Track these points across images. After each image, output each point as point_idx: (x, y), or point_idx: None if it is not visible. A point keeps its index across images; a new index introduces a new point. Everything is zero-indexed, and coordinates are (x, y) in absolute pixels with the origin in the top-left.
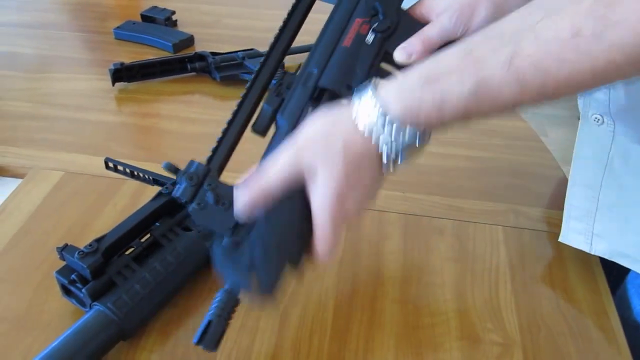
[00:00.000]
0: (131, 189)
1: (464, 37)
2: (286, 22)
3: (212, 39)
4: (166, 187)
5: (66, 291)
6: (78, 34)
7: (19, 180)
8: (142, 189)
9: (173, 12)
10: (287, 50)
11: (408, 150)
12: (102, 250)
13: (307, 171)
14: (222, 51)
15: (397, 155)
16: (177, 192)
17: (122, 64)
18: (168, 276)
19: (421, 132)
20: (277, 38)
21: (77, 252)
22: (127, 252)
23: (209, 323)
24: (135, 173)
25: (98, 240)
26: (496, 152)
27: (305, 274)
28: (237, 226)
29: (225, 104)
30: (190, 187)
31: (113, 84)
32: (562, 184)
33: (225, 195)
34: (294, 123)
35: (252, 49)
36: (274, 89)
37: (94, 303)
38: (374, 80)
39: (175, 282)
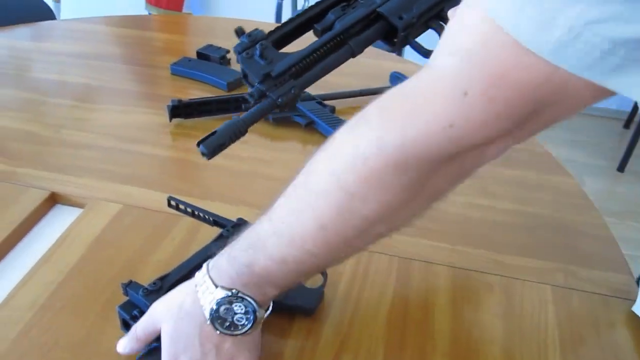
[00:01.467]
0: (187, 224)
1: None
2: None
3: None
4: (227, 229)
5: (126, 325)
6: (136, 67)
7: (77, 210)
8: (199, 225)
9: (228, 51)
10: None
11: (223, 312)
12: (165, 289)
13: (155, 321)
14: None
15: (214, 314)
16: (237, 45)
17: (180, 100)
18: None
19: (232, 292)
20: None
21: (141, 290)
22: None
23: (214, 132)
24: (197, 213)
25: (162, 279)
26: (543, 208)
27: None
28: (267, 76)
29: (277, 145)
30: (247, 41)
31: (170, 120)
32: (611, 244)
33: (269, 55)
34: (347, 28)
35: (305, 92)
36: (341, 6)
37: (155, 344)
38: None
39: None
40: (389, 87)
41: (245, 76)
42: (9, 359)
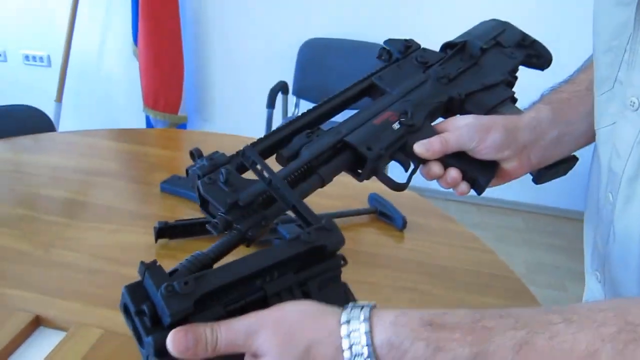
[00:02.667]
0: None
1: (477, 150)
2: (332, 98)
3: None
4: (308, 232)
5: (125, 311)
6: (129, 184)
7: (61, 333)
8: None
9: None
10: (324, 117)
11: None
12: (198, 296)
13: (255, 349)
14: None
15: None
16: (194, 167)
17: (166, 223)
18: None
19: None
20: (321, 105)
21: (164, 287)
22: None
23: (175, 270)
24: (273, 183)
25: (196, 279)
26: None
27: None
28: (234, 205)
29: None
30: (208, 165)
31: (156, 241)
32: None
33: (234, 181)
34: (315, 156)
35: (285, 215)
36: (306, 132)
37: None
38: (372, 304)
39: None
40: (369, 209)
41: (203, 203)
42: None
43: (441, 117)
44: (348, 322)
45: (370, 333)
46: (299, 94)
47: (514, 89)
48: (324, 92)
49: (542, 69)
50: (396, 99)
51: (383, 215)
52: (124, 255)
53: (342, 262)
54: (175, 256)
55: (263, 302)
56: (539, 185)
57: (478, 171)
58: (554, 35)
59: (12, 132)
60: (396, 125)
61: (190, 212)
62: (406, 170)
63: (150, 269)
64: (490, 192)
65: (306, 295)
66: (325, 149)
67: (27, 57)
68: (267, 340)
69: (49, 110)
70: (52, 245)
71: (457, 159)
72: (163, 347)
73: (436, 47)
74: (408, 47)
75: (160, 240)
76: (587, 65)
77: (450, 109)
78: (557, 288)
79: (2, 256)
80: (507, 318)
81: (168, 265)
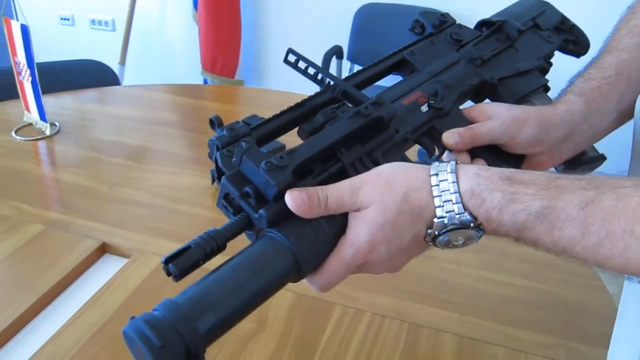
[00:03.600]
0: None
1: (508, 145)
2: (361, 71)
3: None
4: (366, 106)
5: (229, 202)
6: (187, 132)
7: (124, 259)
8: None
9: None
10: (360, 85)
11: (453, 234)
12: (292, 168)
13: (360, 202)
14: None
15: (441, 232)
16: (214, 137)
17: None
18: None
19: (474, 224)
20: (349, 77)
21: (263, 163)
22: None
23: (187, 247)
24: (320, 77)
25: (289, 153)
26: (555, 287)
27: None
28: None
29: None
30: (228, 136)
31: (212, 183)
32: None
33: (254, 155)
34: (337, 129)
35: None
36: (332, 108)
37: (270, 230)
38: (455, 161)
39: None
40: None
41: (220, 175)
42: None
43: (470, 99)
44: (437, 174)
45: (457, 183)
46: (354, 58)
47: (547, 77)
48: (377, 58)
49: (578, 56)
50: (427, 79)
51: None
52: (182, 195)
53: (395, 132)
54: None
55: (342, 173)
56: None
57: (504, 163)
58: (596, 20)
59: (80, 85)
60: (424, 108)
61: None
62: (430, 156)
63: (247, 153)
64: None
65: (375, 163)
66: (351, 128)
67: (93, 22)
68: (370, 192)
69: None
70: (117, 183)
71: (485, 150)
72: (274, 218)
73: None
74: (443, 22)
75: (216, 183)
76: (612, 45)
77: (481, 92)
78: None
79: (71, 191)
80: (581, 180)
81: None
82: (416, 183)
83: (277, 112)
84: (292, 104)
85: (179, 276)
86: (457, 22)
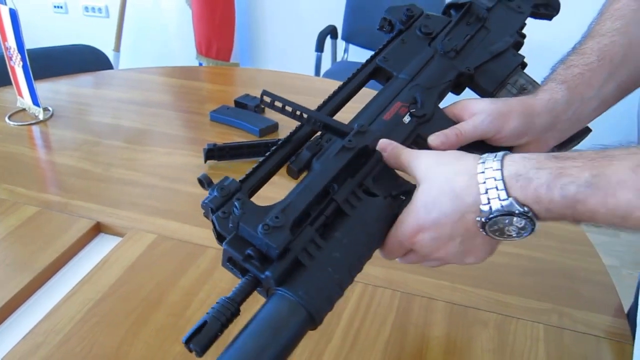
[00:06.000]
0: (212, 253)
1: (495, 139)
2: (340, 88)
3: (294, 127)
4: (349, 140)
5: (232, 263)
6: (181, 113)
7: (118, 238)
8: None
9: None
10: (335, 110)
11: (501, 222)
12: (290, 226)
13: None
14: None
15: (488, 218)
16: (206, 199)
17: (215, 144)
18: (359, 253)
19: (519, 211)
20: (330, 98)
21: (261, 226)
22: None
23: (204, 323)
24: (298, 113)
25: (283, 210)
26: (547, 254)
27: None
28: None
29: None
30: (220, 197)
31: (205, 161)
32: (608, 290)
33: (249, 219)
34: (326, 170)
35: None
36: (315, 139)
37: (279, 289)
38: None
39: (363, 261)
40: None
41: (219, 237)
42: None
43: (451, 92)
44: (483, 162)
45: (501, 170)
46: (348, 38)
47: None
48: (372, 37)
49: (550, 19)
50: (403, 85)
51: None
52: (176, 174)
53: (380, 155)
54: (222, 175)
55: (339, 211)
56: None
57: None
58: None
59: (73, 71)
60: (407, 119)
61: (237, 138)
62: None
63: (242, 219)
64: None
65: (367, 192)
66: (337, 157)
67: (86, 9)
68: (425, 167)
69: None
70: (112, 164)
71: (472, 146)
72: (281, 276)
73: None
74: (410, 17)
75: (209, 162)
76: (594, 29)
77: (460, 83)
78: (610, 235)
79: (66, 173)
80: (630, 147)
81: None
82: (462, 168)
83: (263, 158)
84: (279, 143)
85: (201, 352)
86: (425, 11)
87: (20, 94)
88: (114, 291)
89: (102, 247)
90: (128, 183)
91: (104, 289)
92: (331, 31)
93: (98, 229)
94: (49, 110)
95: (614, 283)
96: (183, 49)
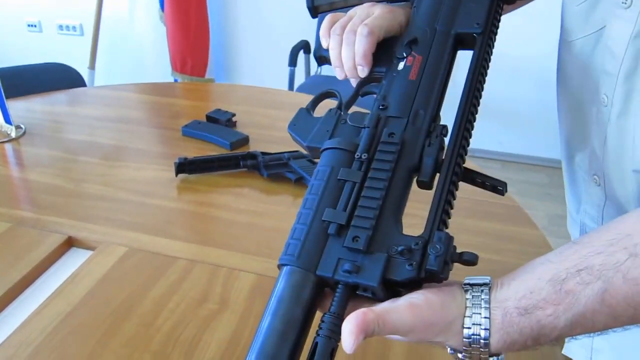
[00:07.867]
0: (182, 264)
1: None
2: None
3: (264, 140)
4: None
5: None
6: (154, 129)
7: (90, 252)
8: (191, 266)
9: (233, 115)
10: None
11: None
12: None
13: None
14: (271, 151)
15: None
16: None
17: (185, 158)
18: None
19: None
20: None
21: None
22: None
23: (315, 345)
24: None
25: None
26: (508, 257)
27: None
28: None
29: (271, 198)
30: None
31: (176, 175)
32: None
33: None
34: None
35: (296, 151)
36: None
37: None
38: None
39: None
40: None
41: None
42: None
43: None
44: (469, 327)
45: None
46: None
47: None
48: None
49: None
50: None
51: None
52: (148, 188)
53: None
54: (193, 188)
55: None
56: None
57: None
58: None
59: (47, 88)
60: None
61: (209, 152)
62: None
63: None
64: (514, 148)
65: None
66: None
67: (60, 27)
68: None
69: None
70: (85, 180)
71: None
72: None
73: None
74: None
75: (180, 175)
76: None
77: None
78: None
79: (38, 190)
80: (582, 272)
81: (187, 197)
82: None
83: None
84: None
85: None
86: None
87: None
88: (85, 303)
89: (73, 261)
90: (100, 198)
91: (74, 302)
92: (304, 46)
93: (70, 243)
94: (21, 127)
95: None
96: (158, 66)
